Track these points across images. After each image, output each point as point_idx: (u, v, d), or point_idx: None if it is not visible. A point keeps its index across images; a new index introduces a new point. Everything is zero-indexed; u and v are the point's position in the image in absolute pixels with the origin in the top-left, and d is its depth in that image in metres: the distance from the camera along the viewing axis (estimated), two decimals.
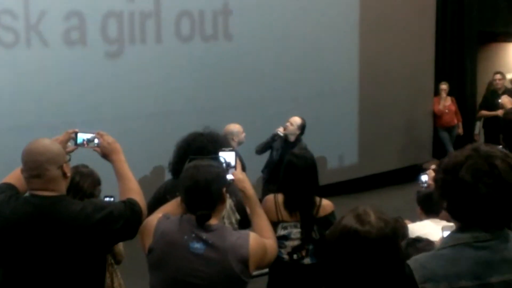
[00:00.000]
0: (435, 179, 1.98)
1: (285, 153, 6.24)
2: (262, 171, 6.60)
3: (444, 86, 9.60)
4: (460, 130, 9.86)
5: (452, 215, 1.94)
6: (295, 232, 3.73)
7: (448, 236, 1.94)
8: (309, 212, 3.72)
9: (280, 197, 3.77)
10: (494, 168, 1.82)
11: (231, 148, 2.97)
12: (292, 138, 6.41)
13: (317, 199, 3.75)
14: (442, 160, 1.97)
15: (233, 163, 2.83)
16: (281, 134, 6.40)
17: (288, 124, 6.45)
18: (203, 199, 2.50)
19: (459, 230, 1.90)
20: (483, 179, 1.81)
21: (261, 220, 2.76)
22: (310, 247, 3.74)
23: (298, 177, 3.73)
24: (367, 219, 1.76)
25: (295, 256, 3.69)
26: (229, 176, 2.79)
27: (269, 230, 2.77)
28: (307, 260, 3.73)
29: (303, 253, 3.72)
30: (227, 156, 2.85)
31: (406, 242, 2.80)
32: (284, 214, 3.74)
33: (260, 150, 6.53)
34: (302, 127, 6.48)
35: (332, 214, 3.75)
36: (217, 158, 2.82)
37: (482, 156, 1.84)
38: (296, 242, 3.72)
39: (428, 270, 1.83)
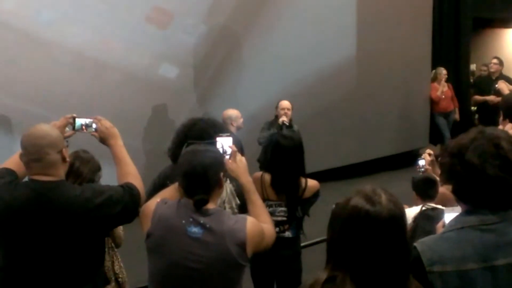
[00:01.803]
0: (441, 163, 1.99)
1: None
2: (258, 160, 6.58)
3: (444, 72, 9.60)
4: (456, 116, 9.89)
5: (460, 198, 1.94)
6: (279, 210, 3.80)
7: (455, 218, 1.95)
8: (294, 193, 3.77)
9: (267, 176, 3.81)
10: (500, 149, 1.83)
11: (228, 134, 2.98)
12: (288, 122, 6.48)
13: (303, 180, 3.79)
14: (448, 144, 1.98)
15: (228, 150, 2.84)
16: (287, 123, 6.43)
17: (286, 110, 6.52)
18: (200, 184, 2.51)
19: (466, 213, 1.91)
20: (490, 160, 1.82)
21: (256, 207, 2.78)
22: (293, 222, 3.84)
23: (285, 158, 3.76)
24: (378, 200, 1.75)
25: (277, 229, 3.74)
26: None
27: (265, 215, 2.78)
28: (288, 234, 3.82)
29: (286, 226, 3.81)
30: (223, 142, 2.86)
31: (419, 213, 2.76)
32: (270, 193, 3.79)
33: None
34: (292, 109, 6.61)
35: (315, 194, 3.82)
36: (214, 143, 2.83)
37: (487, 138, 1.86)
38: (279, 219, 3.78)
39: (435, 252, 1.84)
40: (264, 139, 6.29)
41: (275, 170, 3.80)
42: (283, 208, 3.80)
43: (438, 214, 2.58)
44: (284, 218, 3.80)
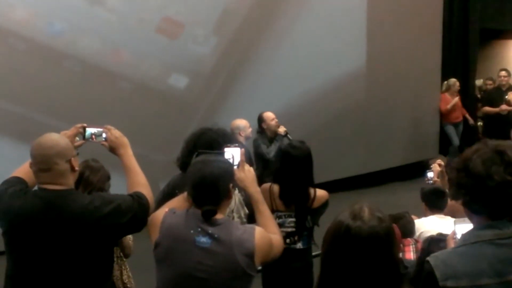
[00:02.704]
0: (448, 179, 1.98)
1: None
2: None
3: (457, 83, 9.59)
4: (471, 121, 9.86)
5: (471, 210, 1.92)
6: (289, 221, 3.78)
7: (468, 233, 1.92)
8: (303, 203, 3.75)
9: (275, 187, 3.80)
10: (505, 155, 1.82)
11: (236, 144, 2.97)
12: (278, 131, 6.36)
13: (312, 190, 3.78)
14: (453, 161, 1.97)
15: (236, 161, 2.83)
16: (287, 131, 6.32)
17: (276, 120, 6.37)
18: (209, 195, 2.52)
19: (480, 227, 1.89)
20: (494, 166, 1.81)
21: (265, 217, 2.76)
22: (304, 233, 3.81)
23: (294, 168, 3.75)
24: (360, 215, 1.74)
25: (288, 241, 3.73)
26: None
27: (273, 225, 2.77)
28: (299, 245, 3.80)
29: (296, 237, 3.79)
30: (232, 152, 2.86)
31: (429, 240, 2.77)
32: (279, 204, 3.78)
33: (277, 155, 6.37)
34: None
35: (324, 205, 3.80)
36: (223, 153, 2.83)
37: (490, 148, 1.86)
38: (289, 230, 3.77)
39: (449, 267, 1.82)
40: (274, 152, 6.25)
41: (284, 181, 3.80)
42: (292, 219, 3.78)
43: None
44: (294, 229, 3.78)
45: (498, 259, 1.81)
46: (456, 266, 1.82)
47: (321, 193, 3.81)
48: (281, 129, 6.33)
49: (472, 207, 1.90)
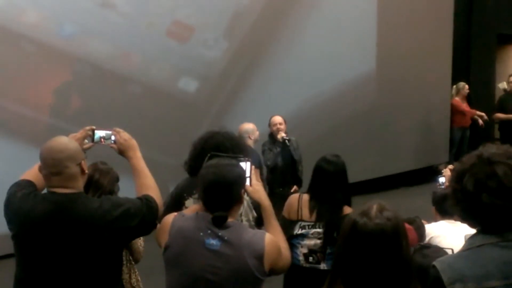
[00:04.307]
0: (449, 187, 2.00)
1: (284, 153, 6.21)
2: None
3: (467, 86, 9.54)
4: (480, 122, 9.76)
5: (465, 221, 1.98)
6: (313, 232, 3.68)
7: (473, 236, 1.94)
8: (335, 215, 3.61)
9: (305, 196, 3.75)
10: (495, 174, 1.84)
11: (247, 159, 2.92)
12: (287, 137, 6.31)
13: (347, 209, 3.65)
14: (455, 167, 2.00)
15: (247, 174, 2.77)
16: (287, 138, 6.25)
17: (278, 126, 6.31)
18: (221, 200, 2.51)
19: (484, 231, 1.91)
20: (484, 187, 1.84)
21: (275, 231, 2.73)
22: (328, 251, 3.65)
23: (326, 182, 3.70)
24: (368, 213, 1.78)
25: (311, 259, 3.65)
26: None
27: (283, 241, 2.74)
28: (323, 265, 3.66)
29: (319, 256, 3.66)
30: (243, 167, 2.78)
31: (414, 249, 2.77)
32: (305, 214, 3.71)
33: (275, 162, 6.28)
34: (285, 122, 6.42)
35: None
36: (236, 157, 2.80)
37: (485, 162, 1.87)
38: (313, 242, 3.66)
39: (456, 270, 1.83)
40: (271, 160, 6.22)
41: (317, 195, 3.73)
42: (316, 230, 3.67)
43: (432, 253, 2.57)
44: (318, 241, 3.66)
45: (504, 261, 1.82)
46: (463, 269, 1.83)
47: (348, 210, 3.64)
48: (279, 136, 6.24)
49: (465, 219, 1.96)
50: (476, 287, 1.80)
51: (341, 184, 3.73)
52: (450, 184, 1.99)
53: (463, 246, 1.96)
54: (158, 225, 2.73)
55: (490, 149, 1.91)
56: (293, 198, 3.78)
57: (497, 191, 1.82)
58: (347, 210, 3.66)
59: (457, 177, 1.91)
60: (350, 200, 3.76)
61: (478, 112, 9.71)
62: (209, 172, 2.56)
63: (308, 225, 3.70)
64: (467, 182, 1.85)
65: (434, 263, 1.88)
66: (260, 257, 2.47)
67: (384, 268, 1.72)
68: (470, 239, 1.94)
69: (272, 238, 2.57)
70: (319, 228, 3.67)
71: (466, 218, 1.94)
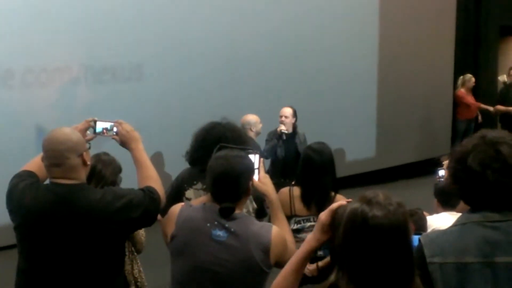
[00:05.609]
0: (447, 168, 2.02)
1: (289, 146, 6.23)
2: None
3: (473, 79, 9.53)
4: (479, 118, 9.79)
5: (464, 200, 2.02)
6: (309, 225, 3.70)
7: (461, 215, 2.00)
8: (325, 205, 3.66)
9: (296, 190, 3.74)
10: (499, 154, 1.87)
11: (255, 151, 2.91)
12: (290, 129, 6.34)
13: (332, 193, 3.70)
14: (454, 149, 2.03)
15: (256, 166, 2.77)
16: (286, 131, 6.28)
17: (283, 118, 6.35)
18: (229, 191, 2.52)
19: (471, 210, 1.96)
20: (490, 166, 1.87)
21: (282, 225, 2.74)
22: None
23: (315, 171, 3.69)
24: (376, 202, 1.72)
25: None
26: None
27: (289, 234, 2.75)
28: (319, 253, 3.66)
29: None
30: (252, 159, 2.78)
31: None
32: (298, 208, 3.71)
33: (271, 154, 6.36)
34: (295, 115, 6.42)
35: None
36: (245, 149, 2.80)
37: (488, 143, 1.90)
38: (310, 233, 3.68)
39: (437, 245, 1.89)
40: (269, 151, 6.24)
41: (306, 184, 3.73)
42: (312, 223, 3.67)
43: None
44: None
45: (485, 240, 1.86)
46: (444, 244, 1.89)
47: (340, 197, 3.66)
48: (279, 128, 6.29)
49: (465, 198, 1.99)
50: (454, 261, 1.85)
51: (330, 171, 3.73)
52: (449, 165, 2.01)
53: (451, 224, 2.00)
54: (159, 217, 2.74)
55: (492, 132, 1.95)
56: (284, 193, 3.73)
57: (502, 169, 1.86)
58: (338, 198, 3.64)
59: (459, 158, 1.93)
60: (337, 186, 3.75)
61: (483, 106, 9.73)
62: (218, 163, 2.56)
63: (303, 219, 3.71)
64: (472, 161, 1.88)
65: (420, 237, 1.94)
66: (266, 250, 2.48)
67: (393, 261, 1.69)
68: (458, 218, 1.99)
69: (279, 231, 2.58)
70: (314, 221, 3.66)
71: (465, 196, 1.98)
